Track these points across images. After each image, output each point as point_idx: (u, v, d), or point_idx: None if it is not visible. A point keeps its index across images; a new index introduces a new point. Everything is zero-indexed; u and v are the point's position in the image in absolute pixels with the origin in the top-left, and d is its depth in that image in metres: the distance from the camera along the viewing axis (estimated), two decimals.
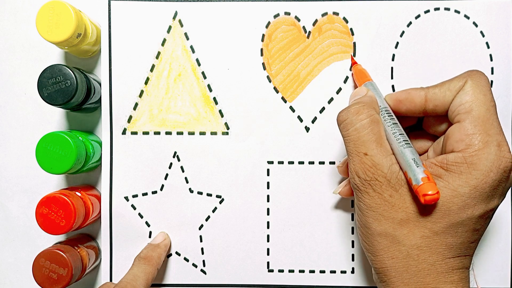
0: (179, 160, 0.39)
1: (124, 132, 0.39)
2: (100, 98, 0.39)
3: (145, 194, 0.39)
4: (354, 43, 0.38)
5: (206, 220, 0.39)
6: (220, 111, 0.39)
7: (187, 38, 0.39)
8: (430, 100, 0.31)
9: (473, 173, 0.27)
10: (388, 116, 0.31)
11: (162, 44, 0.39)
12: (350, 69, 0.38)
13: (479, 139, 0.27)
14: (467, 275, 0.29)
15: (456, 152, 0.28)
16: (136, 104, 0.39)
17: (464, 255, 0.28)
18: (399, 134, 0.30)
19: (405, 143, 0.29)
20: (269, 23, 0.38)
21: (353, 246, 0.39)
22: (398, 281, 0.28)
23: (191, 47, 0.39)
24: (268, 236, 0.39)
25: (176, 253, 0.39)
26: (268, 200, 0.39)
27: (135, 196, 0.39)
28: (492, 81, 0.38)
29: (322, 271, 0.39)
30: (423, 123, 0.34)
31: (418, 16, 0.38)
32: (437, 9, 0.38)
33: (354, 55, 0.38)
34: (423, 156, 0.34)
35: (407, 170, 0.28)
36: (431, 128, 0.33)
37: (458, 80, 0.30)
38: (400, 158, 0.29)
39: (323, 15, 0.38)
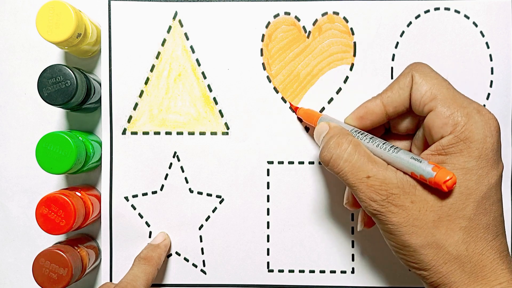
0: (179, 160, 0.39)
1: (124, 132, 0.39)
2: (100, 98, 0.39)
3: (145, 194, 0.39)
4: (354, 43, 0.38)
5: (206, 220, 0.39)
6: (220, 111, 0.39)
7: (187, 38, 0.39)
8: (387, 105, 0.31)
9: (472, 145, 0.27)
10: (361, 134, 0.31)
11: (162, 44, 0.39)
12: (346, 79, 0.38)
13: (460, 115, 0.28)
14: (510, 257, 0.28)
15: (446, 136, 0.28)
16: (136, 104, 0.39)
17: (501, 233, 0.28)
18: (383, 144, 0.30)
19: (394, 149, 0.29)
20: (269, 23, 0.38)
21: (353, 246, 0.39)
22: (459, 285, 0.27)
23: (191, 47, 0.39)
24: (268, 236, 0.39)
25: (176, 253, 0.39)
26: (268, 200, 0.39)
27: (135, 196, 0.39)
28: (492, 81, 0.38)
29: (322, 271, 0.39)
30: (391, 128, 0.34)
31: (418, 16, 0.38)
32: (437, 9, 0.38)
33: (354, 55, 0.38)
34: None
35: (413, 170, 0.27)
36: (401, 128, 0.33)
37: (405, 77, 0.30)
38: (398, 164, 0.28)
39: (323, 15, 0.38)
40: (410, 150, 0.33)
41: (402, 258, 0.29)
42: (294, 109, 0.38)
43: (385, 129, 0.35)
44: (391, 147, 0.29)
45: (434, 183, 0.26)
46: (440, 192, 0.27)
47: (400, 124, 0.33)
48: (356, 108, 0.33)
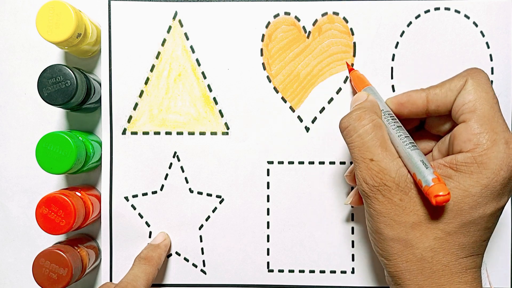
0: (179, 160, 0.39)
1: (124, 132, 0.39)
2: (100, 98, 0.39)
3: (145, 194, 0.39)
4: (354, 43, 0.38)
5: (206, 220, 0.39)
6: (220, 111, 0.39)
7: (187, 38, 0.39)
8: (431, 101, 0.31)
9: (484, 173, 0.27)
10: (392, 119, 0.31)
11: (162, 44, 0.39)
12: (346, 79, 0.38)
13: (487, 138, 0.27)
14: (479, 274, 0.29)
15: (464, 152, 0.28)
16: (136, 104, 0.39)
17: (476, 254, 0.28)
18: (405, 137, 0.29)
19: (412, 145, 0.29)
20: (269, 23, 0.38)
21: (353, 246, 0.39)
22: (412, 283, 0.28)
23: (191, 47, 0.39)
24: (268, 236, 0.39)
25: (176, 253, 0.39)
26: (268, 200, 0.39)
27: (135, 196, 0.39)
28: (492, 81, 0.38)
29: (322, 271, 0.39)
30: (425, 124, 0.34)
31: (418, 16, 0.38)
32: (437, 9, 0.38)
33: (354, 55, 0.38)
34: (428, 156, 0.33)
35: (416, 172, 0.27)
36: (434, 128, 0.33)
37: (459, 80, 0.30)
38: (407, 161, 0.28)
39: (323, 15, 0.38)
40: (430, 151, 0.33)
41: (372, 240, 0.30)
42: (349, 69, 0.38)
43: (420, 122, 0.34)
44: (410, 142, 0.29)
45: (426, 192, 0.26)
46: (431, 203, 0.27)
47: (435, 124, 0.32)
48: (400, 93, 0.32)
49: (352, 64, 0.38)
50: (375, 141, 0.29)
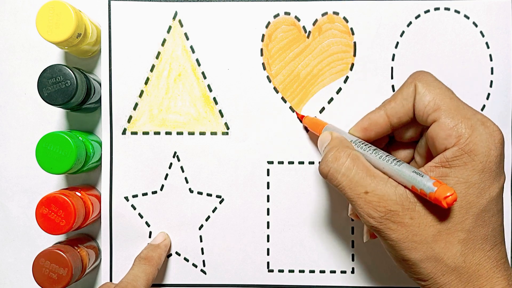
0: (179, 160, 0.39)
1: (124, 132, 0.39)
2: (100, 98, 0.39)
3: (145, 194, 0.39)
4: (354, 43, 0.38)
5: (206, 220, 0.39)
6: (220, 111, 0.39)
7: (187, 38, 0.39)
8: (391, 116, 0.31)
9: (476, 159, 0.27)
10: (365, 145, 0.31)
11: (162, 44, 0.39)
12: (346, 79, 0.38)
13: (464, 126, 0.28)
14: (509, 264, 0.28)
15: (450, 148, 0.28)
16: (136, 104, 0.39)
17: (499, 242, 0.28)
18: (386, 156, 0.29)
19: (396, 161, 0.29)
20: (269, 23, 0.38)
21: (353, 246, 0.39)
22: None
23: (191, 47, 0.39)
24: (268, 236, 0.39)
25: (176, 253, 0.39)
26: (268, 200, 0.39)
27: (135, 196, 0.39)
28: (492, 81, 0.38)
29: (322, 271, 0.39)
30: (395, 136, 0.33)
31: (418, 16, 0.38)
32: (437, 9, 0.38)
33: (354, 55, 0.38)
34: (412, 164, 0.33)
35: (414, 184, 0.27)
36: (405, 137, 0.33)
37: (408, 87, 0.30)
38: (399, 177, 0.28)
39: (323, 15, 0.38)
40: (413, 157, 0.33)
41: (402, 268, 0.29)
42: (300, 117, 0.38)
43: (390, 137, 0.34)
44: (394, 159, 0.29)
45: (434, 198, 0.26)
46: (440, 207, 0.27)
47: (403, 133, 0.33)
48: (360, 119, 0.33)
49: (352, 65, 0.38)
50: (360, 173, 0.28)
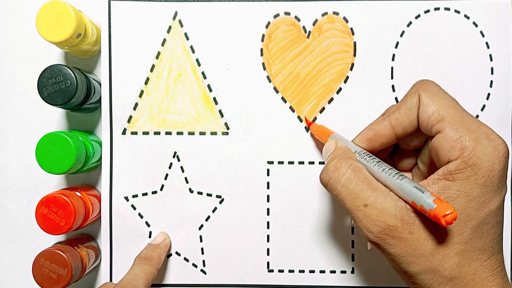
0: (179, 160, 0.39)
1: (124, 132, 0.39)
2: (100, 98, 0.39)
3: (145, 194, 0.39)
4: (354, 43, 0.38)
5: (206, 220, 0.39)
6: (220, 111, 0.39)
7: (187, 38, 0.39)
8: (395, 126, 0.31)
9: (479, 172, 0.27)
10: (369, 157, 0.31)
11: (162, 44, 0.39)
12: (346, 79, 0.38)
13: (468, 139, 0.27)
14: (505, 272, 0.29)
15: (453, 160, 0.28)
16: (136, 104, 0.39)
17: (497, 251, 0.28)
18: (389, 170, 0.29)
19: (399, 176, 0.28)
20: (269, 23, 0.38)
21: (353, 246, 0.39)
22: None
23: (191, 47, 0.39)
24: (268, 236, 0.39)
25: (176, 253, 0.39)
26: (268, 200, 0.39)
27: (135, 196, 0.39)
28: (492, 81, 0.38)
29: (322, 271, 0.39)
30: (400, 143, 0.33)
31: (418, 16, 0.38)
32: (437, 9, 0.38)
33: (354, 55, 0.38)
34: (415, 170, 0.33)
35: (414, 200, 0.27)
36: (409, 145, 0.33)
37: (412, 97, 0.30)
38: (400, 192, 0.28)
39: (323, 15, 0.38)
40: (415, 164, 0.33)
41: (401, 277, 0.30)
42: (308, 124, 0.38)
43: (394, 145, 0.34)
44: (396, 173, 0.29)
45: (433, 216, 0.26)
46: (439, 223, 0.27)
47: (408, 141, 0.32)
48: (364, 129, 0.32)
49: (352, 65, 0.38)
50: (361, 186, 0.28)
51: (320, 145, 0.39)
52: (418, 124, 0.30)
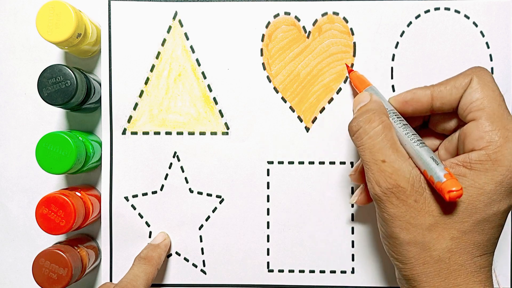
0: (179, 160, 0.39)
1: (124, 132, 0.39)
2: (100, 98, 0.39)
3: (145, 194, 0.39)
4: (354, 43, 0.38)
5: (206, 220, 0.39)
6: (220, 111, 0.39)
7: (187, 38, 0.39)
8: (436, 98, 0.30)
9: (498, 170, 0.27)
10: (397, 118, 0.31)
11: (162, 44, 0.39)
12: (346, 79, 0.38)
13: (499, 135, 0.27)
14: (491, 274, 0.29)
15: (477, 150, 0.28)
16: (136, 104, 0.39)
17: (489, 252, 0.28)
18: (412, 135, 0.29)
19: (420, 143, 0.29)
20: (269, 23, 0.38)
21: (353, 246, 0.39)
22: (429, 285, 0.28)
23: (191, 47, 0.39)
24: (268, 236, 0.39)
25: (176, 253, 0.39)
26: (268, 200, 0.39)
27: (135, 196, 0.39)
28: None
29: (322, 271, 0.39)
30: (429, 122, 0.33)
31: (418, 16, 0.38)
32: (437, 9, 0.38)
33: (354, 55, 0.38)
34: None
35: (427, 169, 0.27)
36: (439, 126, 0.32)
37: (464, 77, 0.30)
38: (417, 159, 0.28)
39: (323, 15, 0.38)
40: (436, 149, 0.33)
41: (386, 245, 0.30)
42: (348, 70, 0.38)
43: (424, 121, 0.34)
44: (418, 140, 0.29)
45: (439, 188, 0.26)
46: (446, 201, 0.27)
47: (439, 122, 0.32)
48: (404, 91, 0.32)
49: (352, 65, 0.38)
50: (385, 142, 0.28)
51: (317, 136, 0.39)
52: (458, 106, 0.30)
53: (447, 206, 0.27)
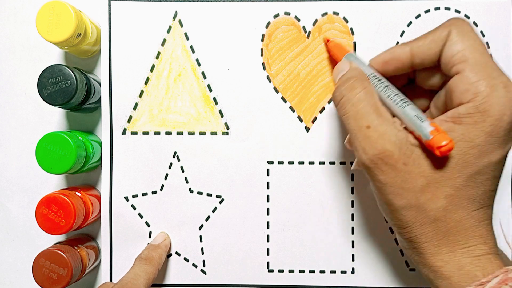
0: (179, 160, 0.39)
1: (124, 132, 0.39)
2: (100, 98, 0.39)
3: (145, 194, 0.39)
4: (354, 43, 0.38)
5: (206, 220, 0.39)
6: (220, 111, 0.39)
7: (187, 38, 0.39)
8: (416, 54, 0.30)
9: (487, 120, 0.26)
10: (379, 81, 0.30)
11: (162, 44, 0.39)
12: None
13: (485, 85, 0.26)
14: (491, 227, 0.28)
15: (465, 103, 0.27)
16: (136, 104, 0.39)
17: (486, 205, 0.28)
18: (394, 95, 0.29)
19: (403, 102, 0.28)
20: (269, 23, 0.38)
21: (353, 246, 0.39)
22: (429, 245, 0.27)
23: (191, 47, 0.39)
24: (268, 236, 0.39)
25: (176, 253, 0.39)
26: (268, 200, 0.39)
27: (135, 196, 0.39)
28: None
29: (322, 271, 0.39)
30: (416, 80, 0.32)
31: (419, 15, 0.38)
32: (437, 8, 0.38)
33: None
34: (426, 114, 0.32)
35: (414, 128, 0.26)
36: (425, 82, 0.31)
37: (442, 30, 0.29)
38: (403, 119, 0.28)
39: (323, 15, 0.38)
40: (428, 107, 0.32)
41: (383, 211, 0.30)
42: (325, 41, 0.38)
43: (409, 79, 0.33)
44: (401, 100, 0.28)
45: (428, 145, 0.25)
46: (435, 158, 0.27)
47: (425, 78, 0.31)
48: (383, 52, 0.31)
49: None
50: (368, 108, 0.28)
51: (317, 136, 0.39)
52: (439, 61, 0.29)
53: (438, 163, 0.27)
